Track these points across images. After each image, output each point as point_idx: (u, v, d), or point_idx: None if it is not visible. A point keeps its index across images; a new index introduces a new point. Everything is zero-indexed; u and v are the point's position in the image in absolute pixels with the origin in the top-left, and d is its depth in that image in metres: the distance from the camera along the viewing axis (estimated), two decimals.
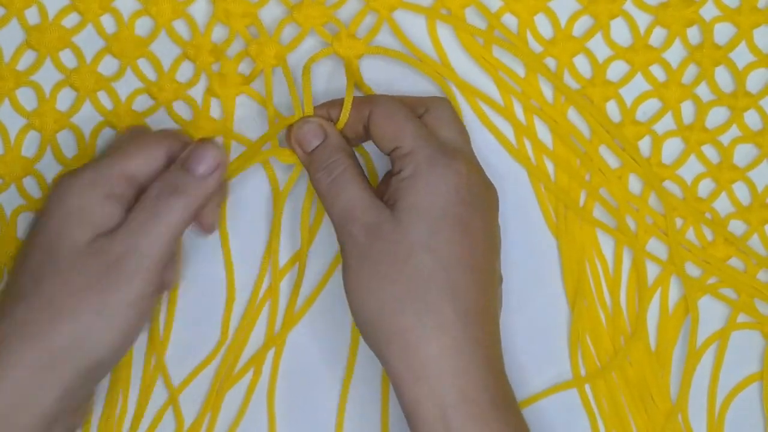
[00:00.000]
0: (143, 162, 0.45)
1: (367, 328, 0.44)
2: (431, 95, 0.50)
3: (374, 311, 0.43)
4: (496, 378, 0.43)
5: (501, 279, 0.47)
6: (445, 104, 0.47)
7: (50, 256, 0.43)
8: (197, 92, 0.51)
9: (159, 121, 0.51)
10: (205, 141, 0.45)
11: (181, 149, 0.45)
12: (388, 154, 0.46)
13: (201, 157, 0.45)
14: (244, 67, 0.51)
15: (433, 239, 0.43)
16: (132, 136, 0.48)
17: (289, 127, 0.48)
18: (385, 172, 0.50)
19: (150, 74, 0.51)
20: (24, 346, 0.41)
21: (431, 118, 0.46)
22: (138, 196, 0.44)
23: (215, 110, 0.51)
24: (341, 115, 0.47)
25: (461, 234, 0.43)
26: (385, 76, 0.51)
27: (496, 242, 0.46)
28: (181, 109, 0.51)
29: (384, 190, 0.45)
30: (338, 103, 0.47)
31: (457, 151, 0.45)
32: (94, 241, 0.43)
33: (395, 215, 0.44)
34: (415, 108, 0.47)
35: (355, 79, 0.50)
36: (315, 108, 0.48)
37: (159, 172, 0.45)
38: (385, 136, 0.45)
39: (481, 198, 0.45)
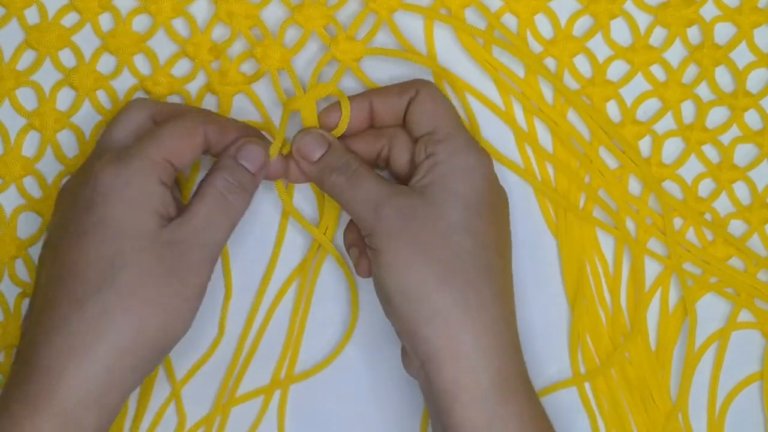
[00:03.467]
0: (187, 150, 0.45)
1: (405, 306, 0.44)
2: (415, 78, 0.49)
3: (414, 288, 0.44)
4: (521, 359, 0.45)
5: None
6: (432, 87, 0.48)
7: (122, 246, 0.43)
8: (193, 89, 0.51)
9: None
10: (254, 139, 0.47)
11: (218, 132, 0.46)
12: (417, 138, 0.47)
13: (254, 156, 0.46)
14: (245, 68, 0.51)
15: (472, 222, 0.44)
16: (168, 119, 0.47)
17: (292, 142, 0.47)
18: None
19: (148, 71, 0.51)
20: (110, 336, 0.42)
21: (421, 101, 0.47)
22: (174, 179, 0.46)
23: (212, 109, 0.51)
24: (341, 122, 0.47)
25: (493, 219, 0.45)
26: (386, 76, 0.51)
27: (510, 232, 0.48)
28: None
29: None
30: (334, 108, 0.48)
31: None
32: (162, 229, 0.43)
33: (430, 197, 0.45)
34: (405, 92, 0.47)
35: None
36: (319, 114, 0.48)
37: (197, 157, 0.46)
38: (424, 119, 0.47)
39: (501, 189, 0.47)
